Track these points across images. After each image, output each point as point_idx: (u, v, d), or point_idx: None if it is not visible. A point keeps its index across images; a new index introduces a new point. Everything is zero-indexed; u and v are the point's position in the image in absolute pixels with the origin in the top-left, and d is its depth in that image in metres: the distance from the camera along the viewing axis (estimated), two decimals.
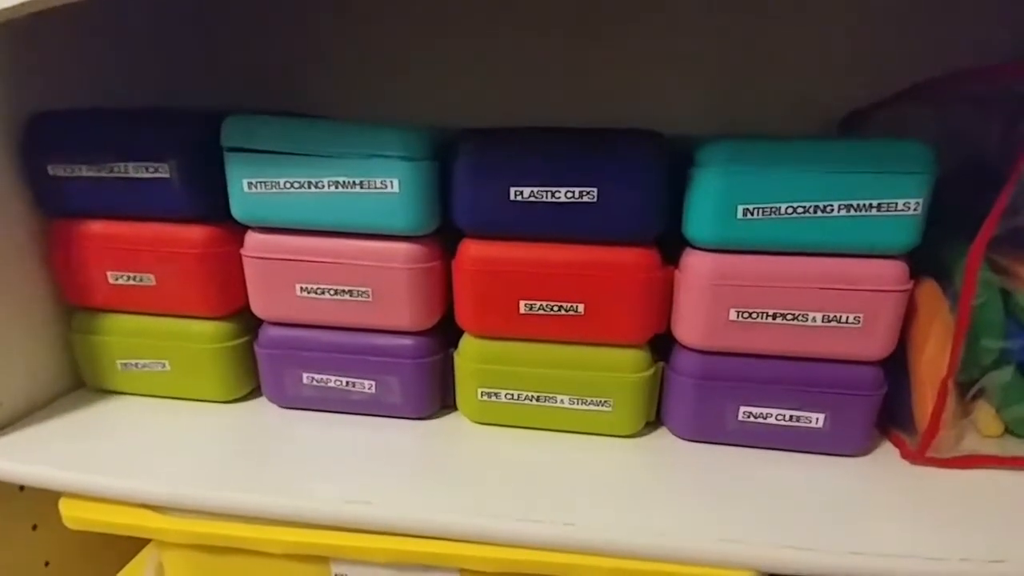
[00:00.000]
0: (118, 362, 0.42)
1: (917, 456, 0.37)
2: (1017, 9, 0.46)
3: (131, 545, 0.46)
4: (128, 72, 0.47)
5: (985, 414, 0.39)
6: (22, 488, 0.42)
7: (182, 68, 0.53)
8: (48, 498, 0.38)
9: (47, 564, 0.43)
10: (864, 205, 0.32)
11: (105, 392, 0.43)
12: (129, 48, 0.47)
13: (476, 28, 0.54)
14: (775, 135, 0.37)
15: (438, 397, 0.41)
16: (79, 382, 0.44)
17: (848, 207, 0.32)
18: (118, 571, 0.44)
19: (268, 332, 0.41)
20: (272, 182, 0.36)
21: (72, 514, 0.37)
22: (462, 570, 0.34)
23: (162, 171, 0.37)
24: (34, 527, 0.43)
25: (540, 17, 0.52)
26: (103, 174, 0.38)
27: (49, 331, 0.42)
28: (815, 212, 0.33)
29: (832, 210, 0.33)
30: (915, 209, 0.32)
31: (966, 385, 0.38)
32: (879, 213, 0.32)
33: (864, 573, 0.29)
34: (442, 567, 0.34)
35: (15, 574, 0.42)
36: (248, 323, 0.41)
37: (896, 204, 0.32)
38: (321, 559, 0.36)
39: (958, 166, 0.35)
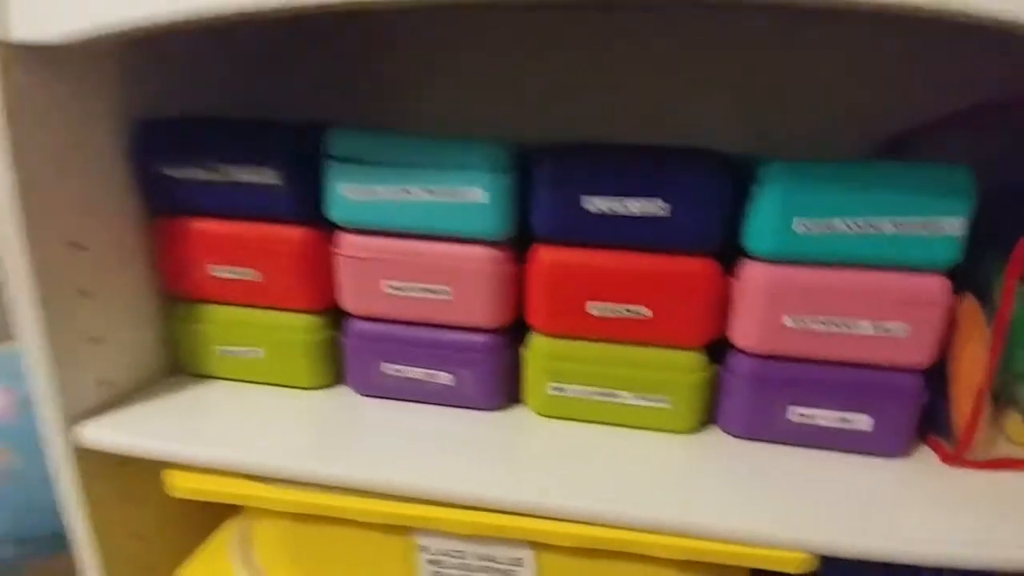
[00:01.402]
0: (216, 348, 0.46)
1: (955, 459, 0.39)
2: None
3: (219, 518, 0.50)
4: (228, 84, 0.52)
5: (1013, 422, 0.42)
6: (123, 463, 0.45)
7: (275, 83, 0.58)
8: (144, 474, 0.42)
9: (140, 537, 0.47)
10: (911, 223, 0.36)
11: (202, 376, 0.47)
12: (231, 63, 0.52)
13: (527, 52, 0.58)
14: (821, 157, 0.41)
15: (506, 391, 0.45)
16: (177, 367, 0.48)
17: (896, 224, 0.36)
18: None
19: (355, 325, 0.44)
20: (369, 189, 0.40)
21: (176, 484, 0.40)
22: (532, 543, 0.37)
23: (269, 176, 0.42)
24: (131, 501, 0.46)
25: (584, 42, 0.56)
26: (214, 177, 0.43)
27: (152, 319, 0.46)
28: (866, 228, 0.36)
29: (882, 227, 0.36)
30: (958, 228, 0.35)
31: (996, 394, 0.41)
32: (925, 231, 0.36)
33: (914, 555, 0.32)
34: (514, 540, 0.37)
35: (110, 545, 0.46)
36: (336, 317, 0.45)
37: (941, 223, 0.35)
38: (405, 530, 0.39)
39: (997, 188, 0.39)
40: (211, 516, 0.50)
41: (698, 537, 0.35)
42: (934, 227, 0.36)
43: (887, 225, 0.36)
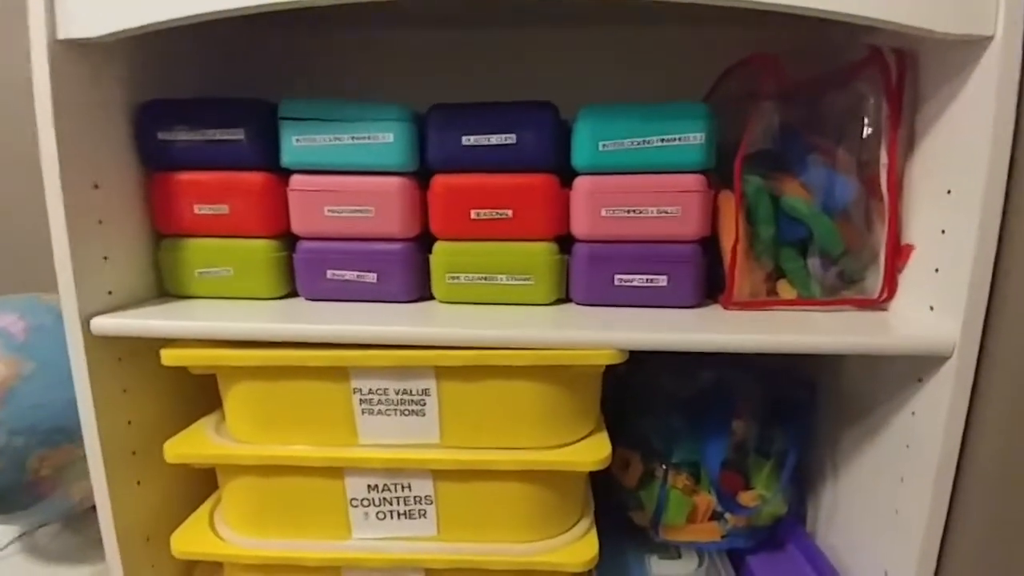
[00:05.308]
0: (196, 272, 0.60)
1: (727, 302, 0.57)
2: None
3: (196, 405, 0.62)
4: (204, 71, 0.69)
5: (782, 285, 0.60)
6: (122, 359, 0.58)
7: (237, 68, 0.75)
8: (135, 369, 0.56)
9: (130, 423, 0.59)
10: (670, 138, 0.54)
11: (184, 297, 0.62)
12: (205, 56, 0.69)
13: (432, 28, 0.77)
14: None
15: (418, 287, 0.60)
16: (164, 291, 0.62)
17: (662, 140, 0.55)
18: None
19: (303, 245, 0.60)
20: (311, 138, 0.57)
21: (169, 354, 0.54)
22: (436, 368, 0.53)
23: (236, 134, 0.58)
24: (124, 391, 0.59)
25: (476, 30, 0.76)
26: (196, 137, 0.58)
27: (146, 250, 0.61)
28: (645, 144, 0.55)
29: (653, 143, 0.55)
30: (701, 140, 0.54)
31: (771, 271, 0.59)
32: (680, 143, 0.54)
33: (686, 344, 0.50)
34: (423, 368, 0.53)
35: (106, 430, 0.57)
36: (287, 241, 0.61)
37: (689, 137, 0.54)
38: (344, 374, 0.54)
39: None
40: (191, 403, 0.63)
41: (550, 347, 0.51)
42: (685, 140, 0.55)
43: (656, 141, 0.55)
